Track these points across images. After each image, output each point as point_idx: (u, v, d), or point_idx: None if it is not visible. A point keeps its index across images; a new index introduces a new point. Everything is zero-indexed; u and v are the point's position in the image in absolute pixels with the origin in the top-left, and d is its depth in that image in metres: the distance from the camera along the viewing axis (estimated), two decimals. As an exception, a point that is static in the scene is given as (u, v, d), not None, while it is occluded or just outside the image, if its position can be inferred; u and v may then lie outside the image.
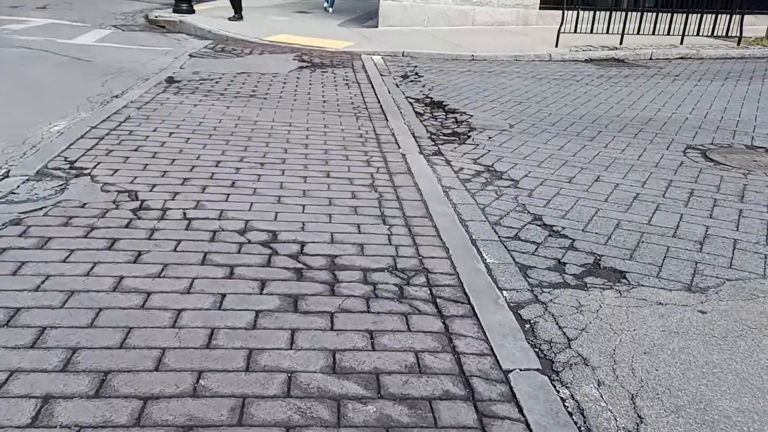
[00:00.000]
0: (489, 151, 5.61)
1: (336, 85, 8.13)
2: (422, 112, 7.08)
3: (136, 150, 4.97)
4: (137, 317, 2.71)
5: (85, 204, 3.86)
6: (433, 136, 6.06)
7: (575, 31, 11.60)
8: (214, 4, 15.71)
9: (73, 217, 3.65)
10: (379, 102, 7.31)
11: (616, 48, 11.56)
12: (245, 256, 3.33)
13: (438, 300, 3.01)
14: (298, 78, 8.46)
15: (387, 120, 6.49)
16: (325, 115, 6.53)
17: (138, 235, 3.48)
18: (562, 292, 3.19)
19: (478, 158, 5.39)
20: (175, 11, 13.88)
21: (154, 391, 2.27)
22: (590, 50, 11.36)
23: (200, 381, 2.34)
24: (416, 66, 9.88)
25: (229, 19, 13.14)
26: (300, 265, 3.26)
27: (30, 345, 2.48)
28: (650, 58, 11.34)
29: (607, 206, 4.38)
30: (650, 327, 2.93)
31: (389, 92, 7.87)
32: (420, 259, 3.42)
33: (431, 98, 7.73)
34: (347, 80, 8.51)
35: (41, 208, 3.75)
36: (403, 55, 10.70)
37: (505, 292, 3.13)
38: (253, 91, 7.49)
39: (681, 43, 11.98)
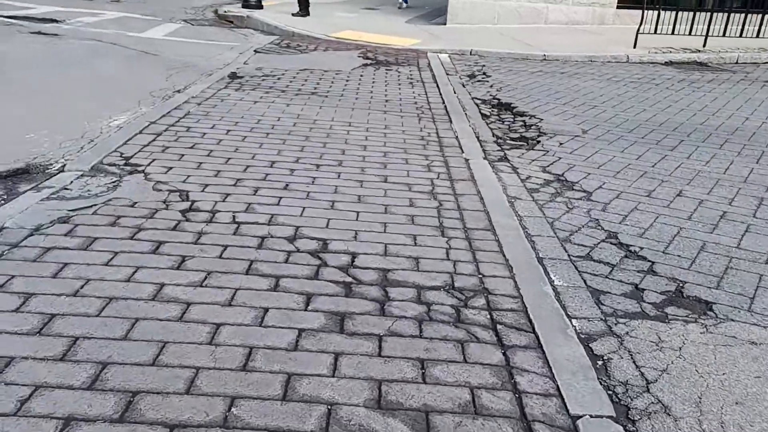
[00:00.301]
0: (559, 158, 5.25)
1: (399, 84, 7.89)
2: (489, 114, 6.76)
3: (191, 147, 4.86)
4: (174, 330, 2.54)
5: (136, 203, 3.74)
6: (499, 141, 5.73)
7: (655, 32, 10.97)
8: (283, 0, 15.75)
9: (122, 217, 3.53)
10: (443, 102, 7.02)
11: (699, 50, 10.87)
12: (292, 266, 3.12)
13: (498, 326, 2.72)
14: (361, 76, 8.26)
15: (451, 122, 6.20)
16: (387, 115, 6.29)
17: (184, 239, 3.33)
18: (640, 323, 2.84)
19: (548, 166, 5.03)
20: (243, 6, 13.96)
21: (182, 418, 2.08)
22: (671, 52, 10.72)
23: (232, 409, 2.14)
24: (484, 65, 9.53)
25: (293, 14, 13.09)
26: (349, 279, 3.03)
27: (60, 357, 2.34)
28: (736, 62, 10.61)
29: (691, 225, 3.97)
30: (742, 371, 2.56)
31: (454, 92, 7.57)
32: (480, 277, 3.14)
33: (499, 99, 7.38)
34: (411, 79, 8.25)
35: (91, 206, 3.65)
36: (470, 54, 10.36)
37: (574, 321, 2.81)
38: (315, 88, 7.33)
39: (772, 45, 11.17)
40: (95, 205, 3.67)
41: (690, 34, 10.95)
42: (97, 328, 2.51)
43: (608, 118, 6.64)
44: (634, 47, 10.84)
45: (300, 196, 4.05)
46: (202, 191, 4.01)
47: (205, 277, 2.95)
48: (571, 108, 7.08)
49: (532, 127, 6.22)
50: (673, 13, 11.19)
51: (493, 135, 5.90)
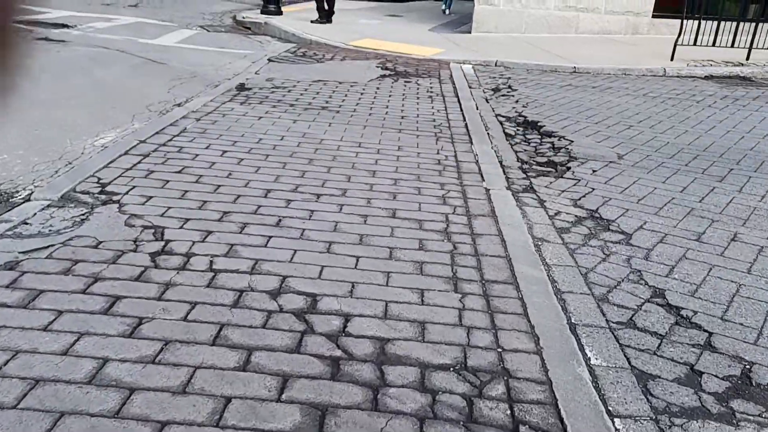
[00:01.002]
0: (593, 189, 4.64)
1: (418, 98, 7.34)
2: (513, 134, 6.17)
3: (179, 171, 4.36)
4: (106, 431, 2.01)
5: (101, 243, 3.24)
6: (524, 166, 5.15)
7: (695, 43, 10.27)
8: (304, 6, 15.31)
9: (80, 262, 3.03)
10: (464, 120, 6.45)
11: (742, 64, 10.15)
12: (271, 333, 2.58)
13: (521, 429, 2.15)
14: (377, 89, 7.72)
15: (471, 143, 5.63)
16: (401, 135, 5.74)
17: (147, 293, 2.81)
18: (702, 426, 2.25)
19: (579, 199, 4.44)
20: (262, 12, 13.53)
21: None
22: (711, 65, 10.02)
23: None
24: (510, 78, 8.93)
25: (312, 21, 12.62)
26: (338, 353, 2.47)
27: (-47, 469, 1.83)
28: (783, 76, 9.87)
29: (752, 281, 3.35)
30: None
31: (477, 108, 7.00)
32: (499, 352, 2.56)
33: (525, 117, 6.79)
34: (431, 92, 7.70)
35: (48, 247, 3.16)
36: (495, 65, 9.78)
37: (618, 422, 2.23)
38: (327, 102, 6.81)
39: (821, 59, 10.40)
40: (53, 245, 3.17)
41: (732, 46, 10.24)
42: (9, 427, 1.99)
43: (646, 141, 6.01)
44: (672, 60, 10.16)
45: (293, 234, 3.51)
46: (181, 228, 3.49)
47: (161, 349, 2.42)
48: (605, 128, 6.46)
49: (562, 150, 5.62)
50: (714, 23, 10.47)
51: (518, 159, 5.32)
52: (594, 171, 5.07)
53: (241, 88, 7.24)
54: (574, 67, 9.67)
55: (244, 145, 5.07)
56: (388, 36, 11.73)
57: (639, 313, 2.96)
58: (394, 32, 12.23)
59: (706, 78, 9.63)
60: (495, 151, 5.47)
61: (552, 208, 4.23)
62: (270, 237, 3.46)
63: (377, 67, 9.22)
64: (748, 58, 10.31)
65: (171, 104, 6.27)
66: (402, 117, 6.40)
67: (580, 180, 4.84)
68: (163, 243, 3.29)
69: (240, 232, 3.49)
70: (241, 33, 12.10)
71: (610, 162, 5.31)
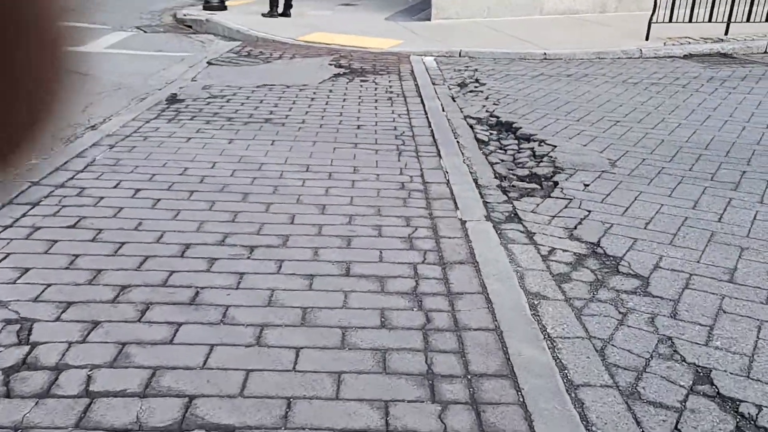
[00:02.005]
0: (589, 212, 3.84)
1: (376, 100, 6.46)
2: (486, 139, 5.34)
3: (73, 226, 3.43)
4: None
5: (-63, 356, 2.33)
6: (503, 183, 4.33)
7: (670, 20, 9.55)
8: (251, -1, 14.25)
9: None
10: (429, 125, 5.61)
11: (722, 40, 9.46)
12: None
13: None
14: (330, 91, 6.82)
15: (440, 156, 4.79)
16: (358, 151, 4.87)
17: (-16, 447, 1.92)
18: None
19: (575, 227, 3.63)
20: (204, 8, 12.45)
21: None
22: (690, 43, 9.31)
23: None
24: (476, 69, 8.10)
25: (263, 15, 11.62)
26: None
27: None
28: (765, 51, 9.21)
29: (816, 342, 2.57)
30: None
31: (443, 110, 6.15)
32: None
33: (497, 117, 5.97)
34: (391, 92, 6.83)
35: None
36: (460, 56, 8.93)
37: None
38: (271, 113, 5.90)
39: (803, 30, 9.77)
40: None
41: (710, 20, 9.54)
42: None
43: (638, 140, 5.23)
44: (647, 39, 9.42)
45: (212, 317, 2.63)
46: (57, 319, 2.59)
47: None
48: (588, 126, 5.67)
49: (544, 159, 4.81)
50: (689, -3, 9.71)
51: (496, 174, 4.49)
52: (586, 185, 4.27)
53: (172, 99, 6.28)
54: (545, 54, 8.87)
55: (164, 179, 4.15)
56: (341, 28, 10.80)
57: (685, 415, 2.15)
58: (349, 23, 11.31)
59: (686, 57, 8.92)
60: (468, 165, 4.64)
61: (544, 244, 3.41)
62: (179, 325, 2.57)
63: (330, 64, 8.31)
64: (726, 33, 9.63)
65: (83, 128, 5.29)
66: (358, 127, 5.53)
67: (571, 199, 4.03)
68: (27, 348, 2.39)
69: (138, 320, 2.59)
70: (181, 32, 11.05)
71: (603, 172, 4.52)
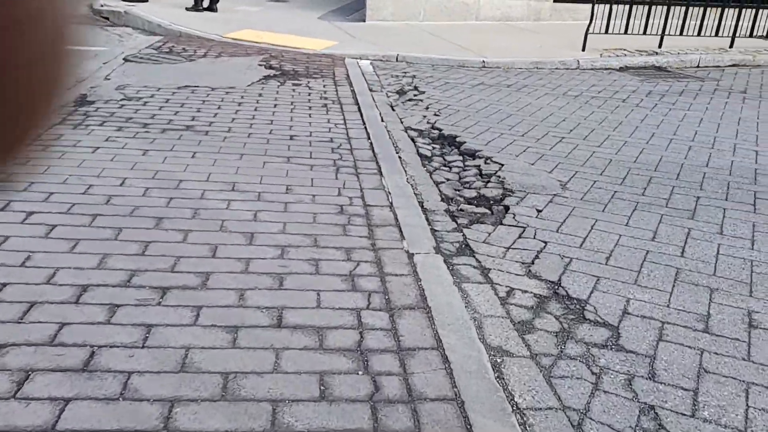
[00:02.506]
0: (545, 243, 3.52)
1: (310, 107, 6.00)
2: (430, 155, 4.98)
3: (-58, 263, 2.82)
4: None
5: None
6: (451, 208, 3.97)
7: (606, 31, 9.50)
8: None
9: None
10: (368, 136, 5.19)
11: (657, 53, 9.49)
12: None
13: None
14: (259, 95, 6.30)
15: (381, 173, 4.38)
16: (291, 166, 4.40)
17: None
18: None
19: (533, 261, 3.30)
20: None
21: None
22: (625, 55, 9.28)
23: None
24: (414, 76, 7.75)
25: (187, 9, 10.89)
26: None
27: None
28: (698, 66, 9.29)
29: (807, 407, 2.31)
30: None
31: (381, 119, 5.75)
32: None
33: (439, 130, 5.62)
34: (326, 98, 6.37)
35: None
36: (397, 60, 8.56)
37: None
38: (192, 119, 5.33)
39: (731, 46, 9.94)
40: None
41: (645, 33, 9.55)
42: None
43: (585, 159, 4.99)
44: (584, 50, 9.34)
45: (108, 391, 2.11)
46: None
47: None
48: (534, 142, 5.40)
49: (492, 179, 4.48)
50: (623, 7, 9.69)
51: (442, 197, 4.12)
52: (539, 211, 3.96)
53: (82, 102, 5.61)
54: (483, 62, 8.62)
55: (62, 200, 3.56)
56: (272, 26, 10.23)
57: None
58: (279, 21, 10.75)
59: (622, 69, 8.88)
60: (412, 185, 4.25)
61: (501, 283, 3.05)
62: (66, 402, 2.04)
63: (260, 65, 7.76)
64: (660, 46, 9.68)
65: (-30, 133, 4.59)
66: (291, 138, 5.05)
67: (525, 227, 3.71)
68: None
69: (13, 396, 2.05)
70: (98, 24, 10.20)
71: (554, 195, 4.22)
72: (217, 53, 8.27)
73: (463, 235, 3.57)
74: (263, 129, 5.23)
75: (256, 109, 5.82)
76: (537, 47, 9.54)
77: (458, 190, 4.28)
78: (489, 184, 4.39)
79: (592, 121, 6.15)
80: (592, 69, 8.81)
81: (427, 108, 6.34)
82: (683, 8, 9.70)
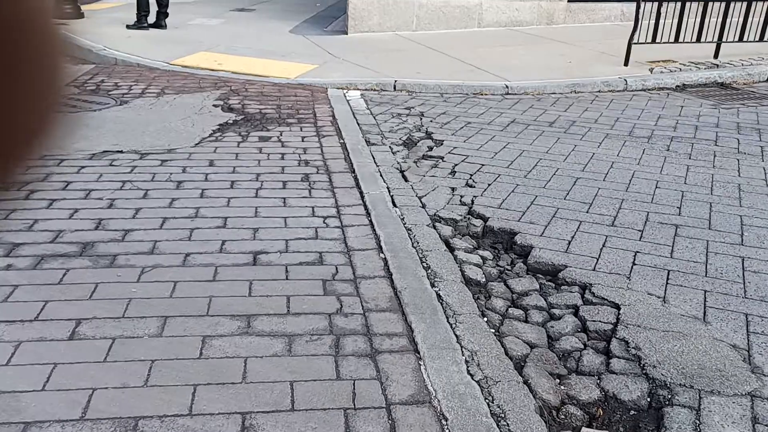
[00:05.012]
0: None
1: (284, 184, 4.02)
2: (483, 278, 3.04)
3: None
4: None
5: None
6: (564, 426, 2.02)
7: (654, 40, 7.59)
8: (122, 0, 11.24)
9: None
10: (380, 249, 3.23)
11: (716, 65, 7.62)
12: None
13: None
14: (210, 165, 4.32)
15: (416, 348, 2.42)
16: (251, 343, 2.42)
17: None
18: None
19: None
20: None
21: None
22: (680, 70, 7.39)
23: None
24: (422, 114, 5.79)
25: (128, 27, 8.80)
26: None
27: None
28: (767, 80, 7.44)
29: None
30: None
31: (393, 203, 3.80)
32: None
33: (483, 217, 3.68)
34: (306, 163, 4.41)
35: None
36: (395, 89, 6.59)
37: None
38: (97, 227, 3.33)
39: (799, 51, 8.09)
40: None
41: (699, 40, 7.66)
42: None
43: (731, 277, 3.07)
44: (626, 64, 7.43)
45: None
46: None
47: None
48: (637, 237, 3.47)
49: (615, 345, 2.53)
50: (675, 4, 7.71)
51: (538, 403, 2.17)
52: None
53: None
54: (506, 86, 6.67)
55: None
56: (233, 45, 8.20)
57: None
58: (243, 37, 8.71)
59: (679, 89, 6.99)
60: (474, 371, 2.30)
61: None
62: None
63: (216, 105, 5.77)
64: (716, 56, 7.81)
65: None
66: (254, 259, 3.07)
67: None
68: None
69: None
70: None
71: (751, 398, 2.29)
72: (160, 89, 6.24)
73: None
74: (209, 241, 3.23)
75: (202, 195, 3.83)
76: (567, 63, 7.61)
77: (561, 380, 2.33)
78: (613, 360, 2.43)
79: (698, 186, 4.23)
80: (643, 90, 6.91)
81: (453, 173, 4.38)
82: (744, 3, 7.80)
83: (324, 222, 3.53)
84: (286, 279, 2.92)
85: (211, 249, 3.17)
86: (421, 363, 2.36)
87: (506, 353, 2.47)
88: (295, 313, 2.65)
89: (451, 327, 2.58)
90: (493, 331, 2.64)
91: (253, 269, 2.99)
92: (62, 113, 0.41)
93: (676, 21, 7.59)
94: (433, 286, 2.90)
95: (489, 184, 4.17)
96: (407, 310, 2.68)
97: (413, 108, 5.96)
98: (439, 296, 2.82)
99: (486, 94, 6.55)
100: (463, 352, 2.43)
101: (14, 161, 0.40)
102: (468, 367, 2.35)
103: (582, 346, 2.54)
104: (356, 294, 2.81)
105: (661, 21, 7.53)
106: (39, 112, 0.40)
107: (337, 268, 3.03)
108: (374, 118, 5.61)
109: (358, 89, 6.52)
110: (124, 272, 2.92)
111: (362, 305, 2.73)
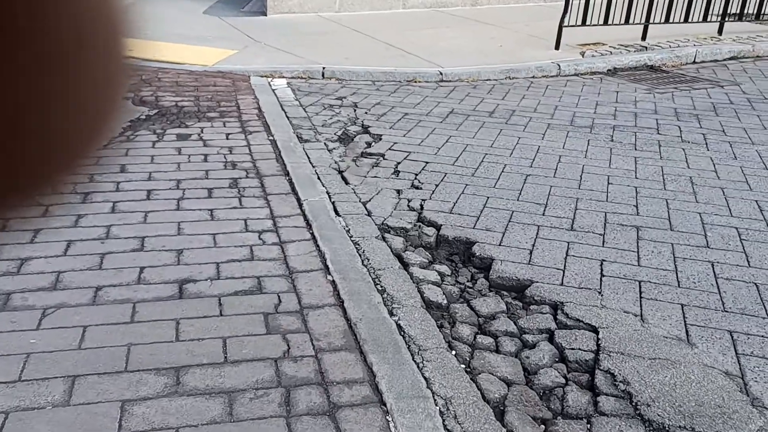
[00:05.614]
0: None
1: (209, 197, 3.55)
2: (444, 300, 2.72)
3: None
4: None
5: None
6: None
7: (584, 23, 7.47)
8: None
9: None
10: (327, 271, 2.84)
11: (645, 47, 7.58)
12: None
13: None
14: (120, 170, 3.78)
15: (379, 391, 2.07)
16: (185, 404, 2.00)
17: None
18: None
19: None
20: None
21: None
22: (610, 53, 7.30)
23: None
24: (356, 104, 5.39)
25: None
26: None
27: None
28: (694, 61, 7.46)
29: None
30: None
31: (336, 211, 3.41)
32: None
33: (435, 225, 3.35)
34: (234, 169, 3.94)
35: None
36: (323, 77, 6.15)
37: None
38: (-16, 258, 2.78)
39: (719, 32, 8.17)
40: None
41: (627, 22, 7.59)
42: None
43: (702, 281, 2.89)
44: (557, 48, 7.27)
45: None
46: None
47: None
48: (593, 240, 3.24)
49: (601, 379, 2.27)
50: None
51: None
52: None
53: None
54: (440, 73, 6.36)
55: None
56: (142, 27, 7.46)
57: None
58: (153, 20, 7.96)
59: (611, 73, 6.90)
60: (443, 415, 1.99)
61: None
62: None
63: (125, 98, 5.12)
64: (644, 37, 7.78)
65: None
66: (180, 289, 2.62)
67: None
68: None
69: None
70: None
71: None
72: (59, 81, 5.53)
73: None
74: (124, 270, 2.75)
75: (113, 209, 3.32)
76: (498, 46, 7.38)
77: (547, 425, 2.05)
78: (600, 398, 2.17)
79: (650, 181, 4.06)
80: (576, 75, 6.76)
81: (396, 173, 4.03)
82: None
83: (260, 238, 3.11)
84: (221, 315, 2.50)
85: (128, 279, 2.70)
86: (390, 419, 2.01)
87: (483, 397, 2.16)
88: (234, 361, 2.24)
89: (419, 367, 2.25)
90: (464, 366, 2.32)
91: (180, 304, 2.55)
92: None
93: (605, 2, 7.48)
94: (391, 314, 2.55)
95: (437, 185, 3.85)
96: (366, 348, 2.32)
97: (345, 98, 5.55)
98: (399, 327, 2.47)
99: (420, 82, 6.22)
100: (436, 400, 2.10)
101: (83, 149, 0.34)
102: (444, 419, 2.02)
103: (563, 381, 2.26)
104: (305, 329, 2.43)
105: (591, 2, 7.41)
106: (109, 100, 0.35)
107: (279, 297, 2.63)
108: (304, 110, 5.17)
109: (283, 77, 6.03)
110: (20, 317, 2.41)
111: (313, 344, 2.35)
